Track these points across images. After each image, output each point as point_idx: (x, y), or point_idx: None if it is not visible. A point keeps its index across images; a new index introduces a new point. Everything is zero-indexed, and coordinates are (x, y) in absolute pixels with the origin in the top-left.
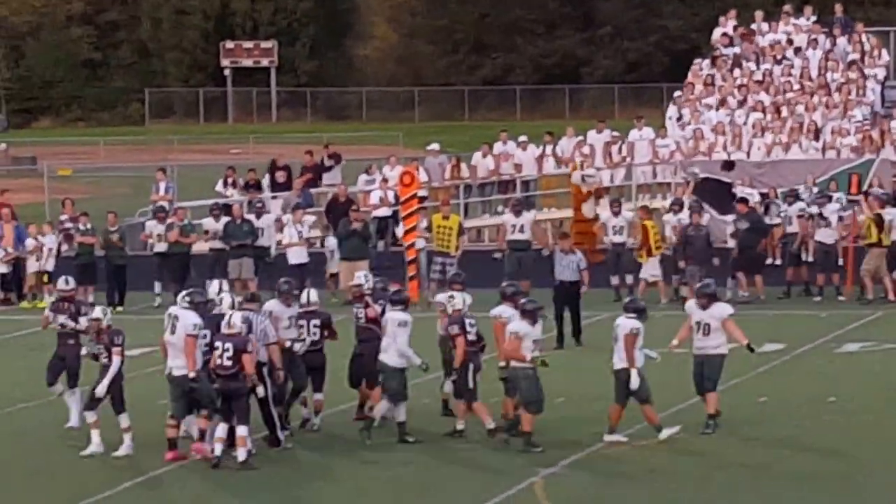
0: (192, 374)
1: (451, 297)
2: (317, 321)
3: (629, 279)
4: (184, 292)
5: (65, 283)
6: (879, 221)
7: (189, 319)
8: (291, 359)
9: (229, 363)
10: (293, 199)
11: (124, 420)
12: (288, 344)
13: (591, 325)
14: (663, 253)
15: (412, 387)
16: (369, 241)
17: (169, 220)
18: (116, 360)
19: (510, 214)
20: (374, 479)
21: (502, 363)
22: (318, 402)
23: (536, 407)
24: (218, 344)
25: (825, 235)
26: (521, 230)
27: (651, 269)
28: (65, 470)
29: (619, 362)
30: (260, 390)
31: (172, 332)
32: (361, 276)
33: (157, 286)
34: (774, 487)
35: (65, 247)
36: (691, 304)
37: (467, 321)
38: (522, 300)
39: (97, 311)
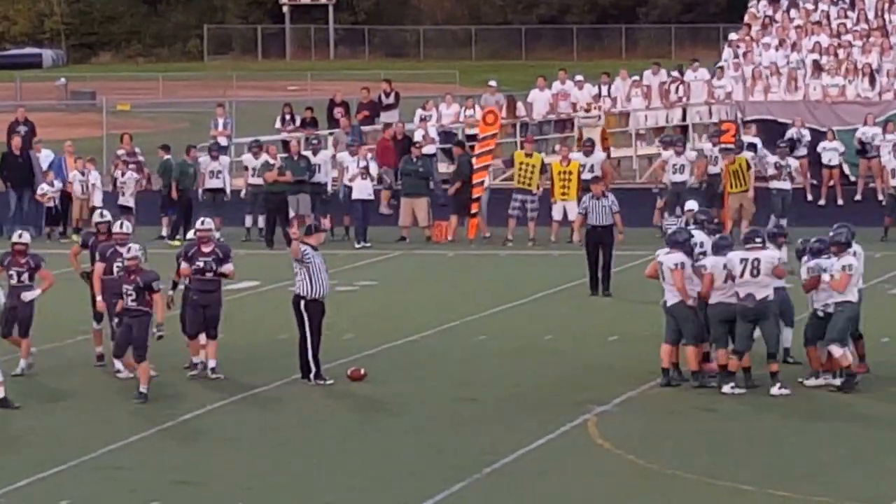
0: (689, 302)
1: None
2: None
3: None
4: None
5: (201, 223)
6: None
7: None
8: None
9: None
10: (342, 136)
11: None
12: None
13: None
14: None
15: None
16: (429, 178)
17: (264, 159)
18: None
19: (580, 154)
20: (431, 415)
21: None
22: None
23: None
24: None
25: None
26: (591, 170)
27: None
28: (151, 393)
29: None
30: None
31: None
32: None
33: (248, 220)
34: (827, 427)
35: (130, 176)
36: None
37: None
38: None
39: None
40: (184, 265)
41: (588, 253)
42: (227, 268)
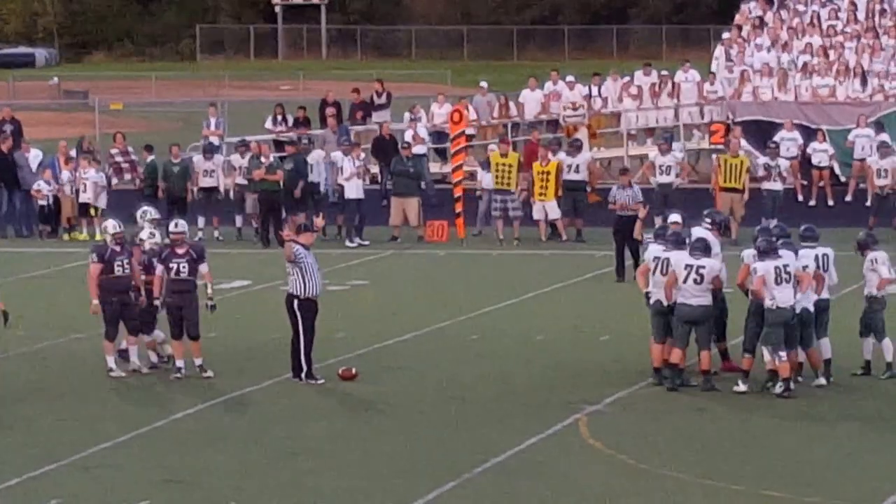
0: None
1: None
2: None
3: None
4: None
5: (174, 226)
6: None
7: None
8: None
9: None
10: (329, 136)
11: None
12: None
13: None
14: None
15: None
16: (420, 178)
17: (252, 156)
18: None
19: (563, 154)
20: (422, 415)
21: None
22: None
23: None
24: None
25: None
26: (577, 170)
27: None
28: (143, 392)
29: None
30: None
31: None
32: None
33: (239, 219)
34: (818, 427)
35: (115, 180)
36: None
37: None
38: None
39: None
40: (159, 269)
41: (616, 240)
42: (203, 268)
